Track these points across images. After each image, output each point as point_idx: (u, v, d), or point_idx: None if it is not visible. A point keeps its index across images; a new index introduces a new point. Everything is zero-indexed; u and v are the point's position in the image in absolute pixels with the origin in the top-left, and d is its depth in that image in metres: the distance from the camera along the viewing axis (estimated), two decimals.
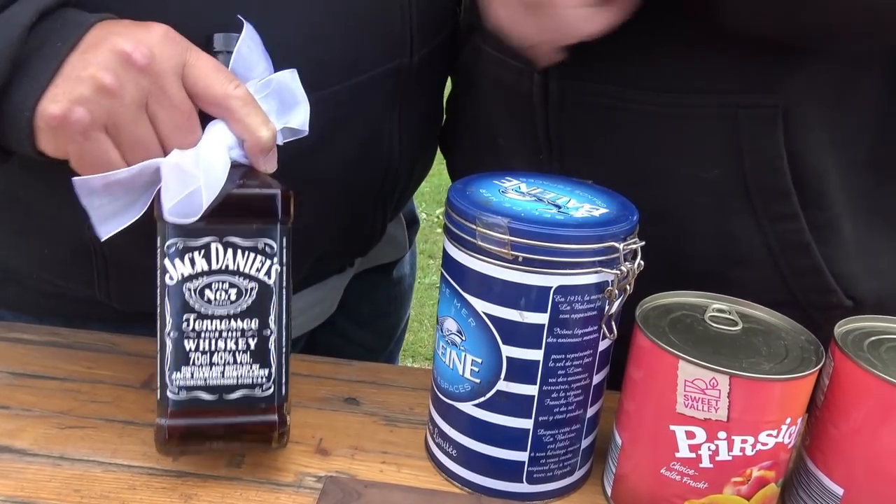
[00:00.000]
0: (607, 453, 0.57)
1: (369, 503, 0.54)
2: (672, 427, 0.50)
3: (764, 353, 0.50)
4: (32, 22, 0.48)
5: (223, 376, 0.53)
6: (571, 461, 0.56)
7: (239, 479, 0.56)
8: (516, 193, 0.54)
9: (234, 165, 0.52)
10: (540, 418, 0.53)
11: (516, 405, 0.53)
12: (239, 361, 0.53)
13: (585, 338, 0.52)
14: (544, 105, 0.64)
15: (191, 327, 0.52)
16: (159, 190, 0.50)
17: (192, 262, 0.51)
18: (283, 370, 0.54)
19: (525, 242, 0.49)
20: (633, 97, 0.61)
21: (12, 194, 0.65)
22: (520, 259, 0.49)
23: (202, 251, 0.51)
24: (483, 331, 0.52)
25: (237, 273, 0.52)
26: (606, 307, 0.52)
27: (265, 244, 0.52)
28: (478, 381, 0.54)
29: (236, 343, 0.53)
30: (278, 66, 0.55)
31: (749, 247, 0.61)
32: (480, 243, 0.50)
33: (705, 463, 0.50)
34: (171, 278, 0.51)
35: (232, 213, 0.51)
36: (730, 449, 0.49)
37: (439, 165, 0.85)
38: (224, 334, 0.52)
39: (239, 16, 0.53)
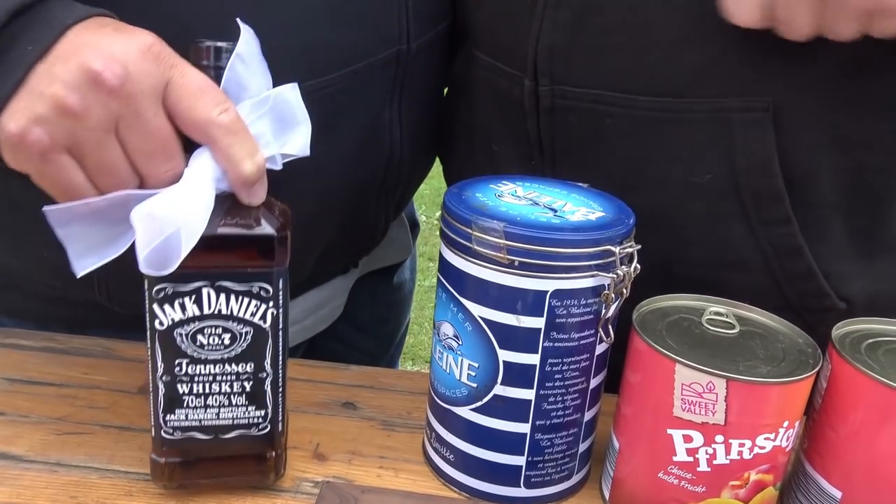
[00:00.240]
0: (605, 457, 0.57)
1: None
2: (669, 431, 0.50)
3: (761, 357, 0.50)
4: (3, 23, 0.44)
5: (218, 417, 0.52)
6: (569, 465, 0.56)
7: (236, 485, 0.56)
8: (512, 197, 0.54)
9: (224, 195, 0.49)
10: (537, 422, 0.53)
11: (513, 409, 0.53)
12: (234, 403, 0.52)
13: (582, 342, 0.52)
14: (535, 110, 0.64)
15: (183, 371, 0.50)
16: None
17: (183, 307, 0.48)
18: (280, 408, 0.53)
19: (521, 247, 0.49)
20: (623, 102, 0.60)
21: (11, 198, 0.65)
22: (516, 263, 0.49)
23: (193, 296, 0.48)
24: (480, 335, 0.52)
25: (231, 318, 0.49)
26: (603, 311, 0.51)
27: (260, 288, 0.49)
28: (475, 385, 0.53)
29: (231, 386, 0.51)
30: (275, 52, 0.50)
31: (743, 251, 0.61)
32: (476, 247, 0.50)
33: (703, 467, 0.50)
34: (160, 324, 0.49)
35: (223, 256, 0.48)
36: (727, 452, 0.49)
37: (439, 168, 0.85)
38: (218, 378, 0.51)
39: (237, 19, 0.49)
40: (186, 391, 0.51)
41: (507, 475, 0.55)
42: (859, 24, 0.49)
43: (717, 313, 0.54)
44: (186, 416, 0.51)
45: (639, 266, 0.51)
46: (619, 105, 0.61)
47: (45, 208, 0.46)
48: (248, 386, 0.52)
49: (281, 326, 0.51)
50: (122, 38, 0.45)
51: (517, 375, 0.52)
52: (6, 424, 0.60)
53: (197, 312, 0.49)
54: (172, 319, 0.49)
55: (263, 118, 0.50)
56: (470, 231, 0.50)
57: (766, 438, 0.49)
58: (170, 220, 0.45)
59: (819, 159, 0.59)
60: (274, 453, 0.54)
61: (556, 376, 0.52)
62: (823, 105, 0.57)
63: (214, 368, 0.50)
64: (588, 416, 0.55)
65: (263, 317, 0.50)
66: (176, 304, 0.48)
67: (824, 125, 0.58)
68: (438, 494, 0.57)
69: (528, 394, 0.52)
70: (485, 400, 0.53)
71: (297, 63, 0.53)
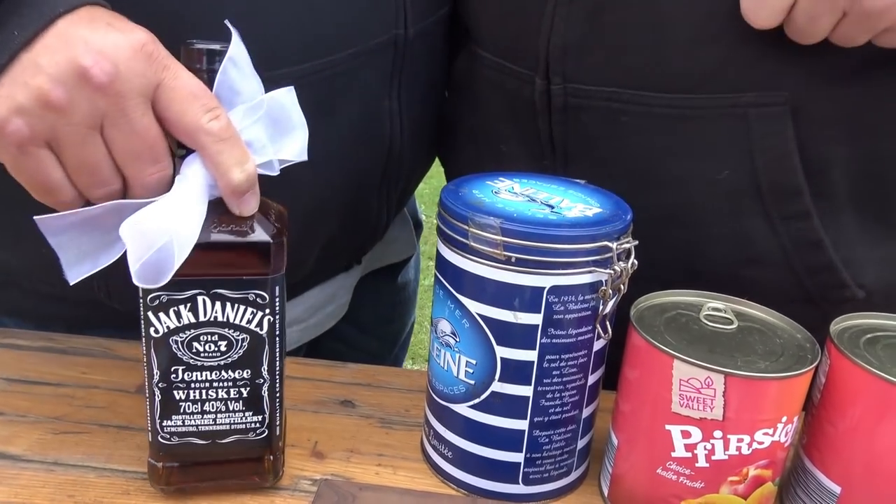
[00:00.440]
0: (604, 453, 0.57)
1: None
2: (668, 427, 0.50)
3: (759, 352, 0.50)
4: None
5: (215, 423, 0.52)
6: (567, 462, 0.56)
7: None
8: (509, 194, 0.54)
9: (218, 200, 0.48)
10: (535, 419, 0.53)
11: (511, 406, 0.53)
12: (231, 409, 0.51)
13: (580, 338, 0.52)
14: (547, 110, 0.64)
15: (179, 378, 0.50)
16: None
17: (178, 315, 0.48)
18: (278, 412, 0.53)
19: (517, 243, 0.49)
20: (638, 100, 0.60)
21: (9, 195, 0.65)
22: (513, 259, 0.49)
23: (188, 304, 0.48)
24: (477, 332, 0.52)
25: (227, 325, 0.49)
26: (600, 307, 0.51)
27: (256, 295, 0.49)
28: (472, 382, 0.53)
29: (227, 392, 0.51)
30: (271, 35, 0.48)
31: (763, 247, 0.61)
32: (473, 244, 0.50)
33: (701, 462, 0.49)
34: (156, 331, 0.48)
35: (218, 263, 0.48)
36: (726, 448, 0.49)
37: (438, 168, 0.85)
38: (215, 384, 0.50)
39: (226, 22, 0.48)
40: (183, 397, 0.50)
41: (505, 472, 0.55)
42: (872, 34, 0.50)
43: (715, 309, 0.54)
44: (183, 421, 0.51)
45: (636, 262, 0.51)
46: (635, 103, 0.60)
47: (36, 218, 0.45)
48: (244, 392, 0.51)
49: (278, 332, 0.51)
50: (115, 34, 0.44)
51: (515, 372, 0.52)
52: (4, 424, 0.60)
53: (192, 320, 0.48)
54: (168, 327, 0.48)
55: (258, 123, 0.48)
56: (467, 228, 0.50)
57: (764, 434, 0.49)
58: (161, 231, 0.44)
59: (834, 150, 0.58)
60: (272, 457, 0.54)
61: (554, 373, 0.52)
62: (839, 97, 0.57)
63: (211, 375, 0.50)
64: (586, 412, 0.55)
65: (260, 324, 0.50)
66: (171, 312, 0.48)
67: (840, 117, 0.57)
68: (437, 492, 0.56)
69: (526, 390, 0.52)
70: (482, 397, 0.53)
71: (294, 46, 0.52)
